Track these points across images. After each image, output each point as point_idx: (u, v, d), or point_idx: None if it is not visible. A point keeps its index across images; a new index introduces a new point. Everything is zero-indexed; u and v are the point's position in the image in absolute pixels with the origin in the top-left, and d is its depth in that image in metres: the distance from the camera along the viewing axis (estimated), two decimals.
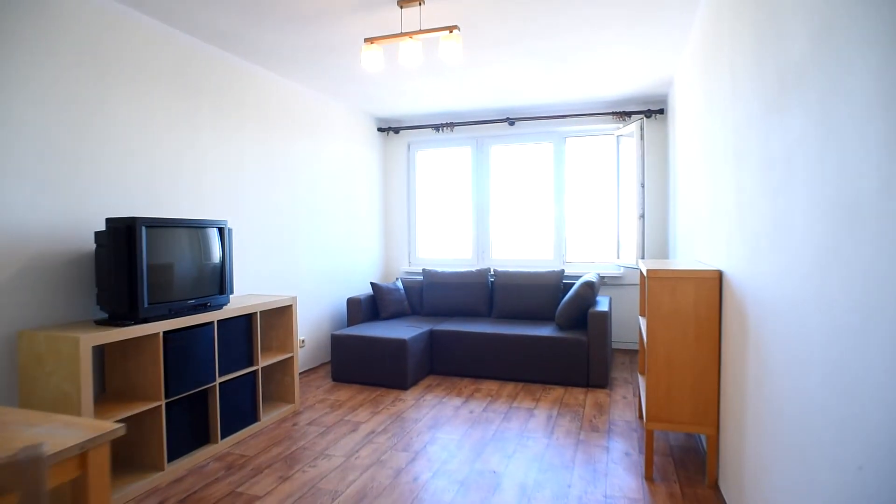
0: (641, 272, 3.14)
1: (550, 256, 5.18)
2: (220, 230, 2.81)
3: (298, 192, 4.19)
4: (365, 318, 4.54)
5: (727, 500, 2.12)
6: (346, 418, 3.22)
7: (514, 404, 3.46)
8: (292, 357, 3.34)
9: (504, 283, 4.61)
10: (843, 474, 1.02)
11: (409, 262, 5.66)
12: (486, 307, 4.70)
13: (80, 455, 1.10)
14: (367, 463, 2.59)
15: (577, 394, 3.67)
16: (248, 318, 3.00)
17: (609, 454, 2.66)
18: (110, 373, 2.49)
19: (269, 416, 3.14)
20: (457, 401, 3.55)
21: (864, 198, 0.94)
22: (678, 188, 3.87)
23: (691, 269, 2.26)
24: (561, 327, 4.08)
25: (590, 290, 3.96)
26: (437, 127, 5.36)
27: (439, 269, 4.90)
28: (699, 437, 2.82)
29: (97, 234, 2.31)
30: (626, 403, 3.44)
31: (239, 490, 2.31)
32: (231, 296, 3.31)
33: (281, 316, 3.35)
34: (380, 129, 5.52)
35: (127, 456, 2.47)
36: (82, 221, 2.47)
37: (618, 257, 4.79)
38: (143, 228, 2.30)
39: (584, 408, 3.37)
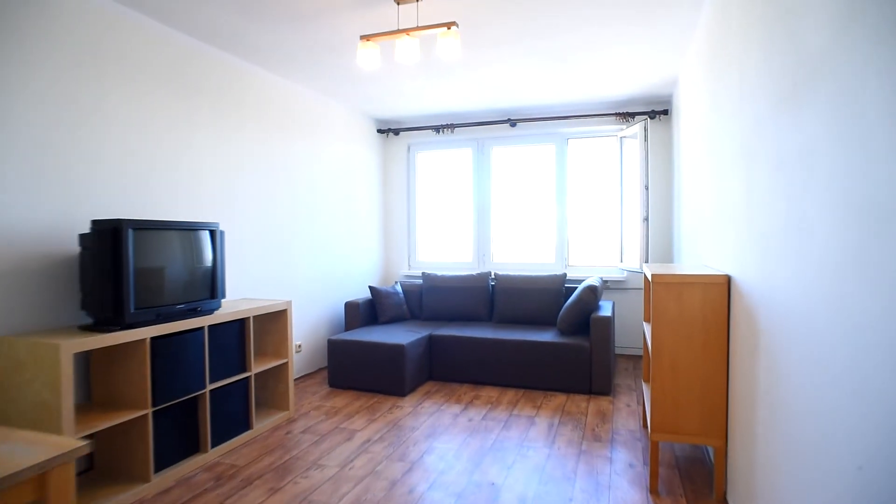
0: (646, 277, 3.05)
1: (552, 260, 5.09)
2: (212, 233, 2.74)
3: (297, 194, 4.12)
4: (363, 322, 4.46)
5: None
6: (342, 426, 3.13)
7: (515, 412, 3.37)
8: (287, 363, 3.25)
9: (505, 286, 4.52)
10: (862, 488, 0.93)
11: (409, 265, 5.58)
12: (487, 312, 4.61)
13: (39, 476, 1.02)
14: (361, 474, 2.50)
15: (580, 401, 3.58)
16: (240, 323, 2.92)
17: (612, 465, 2.57)
18: (96, 380, 2.41)
19: (262, 424, 3.05)
20: (456, 408, 3.46)
21: (891, 197, 0.85)
22: (683, 190, 3.78)
23: (698, 274, 2.17)
24: (563, 332, 3.99)
25: (592, 294, 3.87)
26: (437, 128, 5.28)
27: (439, 273, 4.81)
28: (706, 448, 2.73)
29: (82, 236, 2.23)
30: (629, 412, 3.34)
31: (227, 503, 2.23)
32: (224, 300, 3.23)
33: (276, 320, 3.27)
34: (379, 131, 5.45)
35: (112, 466, 2.39)
36: (77, 223, 2.40)
37: (621, 261, 4.70)
38: (130, 231, 2.22)
39: (586, 416, 3.28)
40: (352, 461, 2.64)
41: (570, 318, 3.93)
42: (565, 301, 4.43)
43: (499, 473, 2.49)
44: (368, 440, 2.91)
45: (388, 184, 5.61)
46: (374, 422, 3.20)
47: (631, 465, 2.56)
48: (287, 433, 3.03)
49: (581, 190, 5.03)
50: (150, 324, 2.33)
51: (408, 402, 3.58)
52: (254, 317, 3.31)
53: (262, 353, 3.32)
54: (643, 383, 3.15)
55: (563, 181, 5.02)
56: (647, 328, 2.86)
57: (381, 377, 3.75)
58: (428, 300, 4.70)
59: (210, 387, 2.67)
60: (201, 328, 2.62)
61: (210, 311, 2.71)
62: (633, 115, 4.66)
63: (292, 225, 4.08)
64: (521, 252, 5.23)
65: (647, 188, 4.20)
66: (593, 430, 3.04)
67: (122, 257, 2.19)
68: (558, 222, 5.04)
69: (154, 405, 2.34)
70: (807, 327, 1.25)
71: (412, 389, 3.83)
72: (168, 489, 2.35)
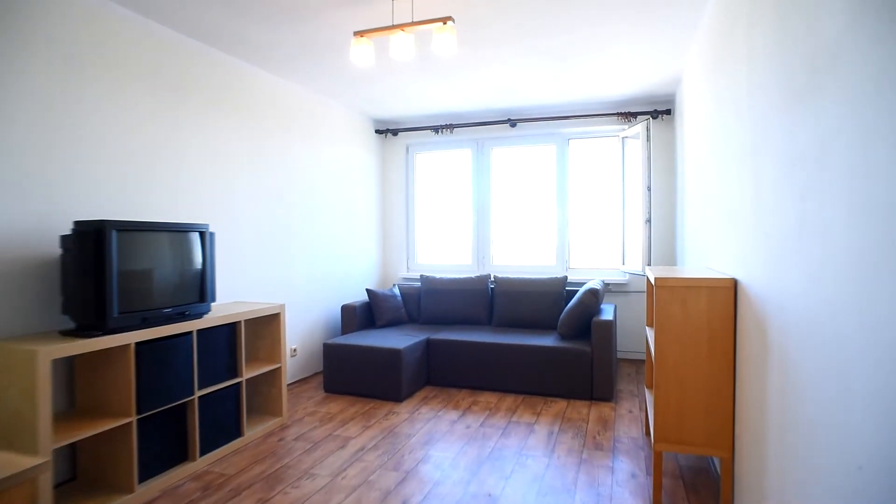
0: (648, 280, 2.96)
1: (553, 262, 5.00)
2: (202, 234, 2.66)
3: (294, 195, 4.04)
4: (360, 325, 4.37)
5: None
6: (336, 433, 3.05)
7: (514, 418, 3.28)
8: (280, 368, 3.17)
9: (504, 289, 4.44)
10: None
11: (408, 267, 5.49)
12: (486, 315, 4.52)
13: None
14: (353, 484, 2.41)
15: (581, 407, 3.49)
16: (231, 328, 2.84)
17: (614, 475, 2.48)
18: (80, 387, 2.33)
19: (253, 431, 2.97)
20: (453, 414, 3.37)
21: None
22: (686, 191, 3.69)
23: (703, 277, 2.08)
24: (563, 337, 3.90)
25: (594, 297, 3.78)
26: (436, 129, 5.20)
27: (437, 276, 4.73)
28: (711, 458, 2.63)
29: (63, 237, 2.15)
30: (632, 418, 3.25)
31: None
32: (214, 304, 3.16)
33: (269, 324, 3.19)
34: (378, 131, 5.37)
35: (95, 476, 2.31)
36: (61, 224, 2.32)
37: (623, 263, 4.61)
38: (114, 232, 2.15)
39: (587, 423, 3.19)
40: (344, 470, 2.56)
41: (570, 322, 3.84)
42: (566, 304, 4.34)
43: (496, 484, 2.40)
44: (362, 448, 2.83)
45: (387, 185, 5.53)
46: (369, 428, 3.12)
47: (633, 476, 2.47)
48: (279, 440, 2.95)
49: (582, 191, 4.94)
50: (135, 328, 2.25)
51: (404, 408, 3.49)
52: (246, 321, 3.23)
53: (254, 358, 3.23)
54: (646, 389, 3.06)
55: (563, 182, 4.93)
56: (650, 333, 2.78)
57: (377, 382, 3.67)
58: (426, 303, 4.61)
59: (199, 393, 2.59)
60: (189, 333, 2.53)
61: (199, 315, 2.63)
62: (635, 114, 4.58)
63: (289, 227, 4.00)
64: (522, 254, 5.15)
65: (649, 189, 4.11)
66: (594, 437, 2.95)
67: (105, 260, 2.11)
68: (559, 224, 4.95)
69: (139, 413, 2.26)
70: (826, 335, 1.16)
71: (409, 395, 3.75)
72: (153, 500, 2.27)
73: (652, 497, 2.24)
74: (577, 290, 4.28)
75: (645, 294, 4.69)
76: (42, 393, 1.85)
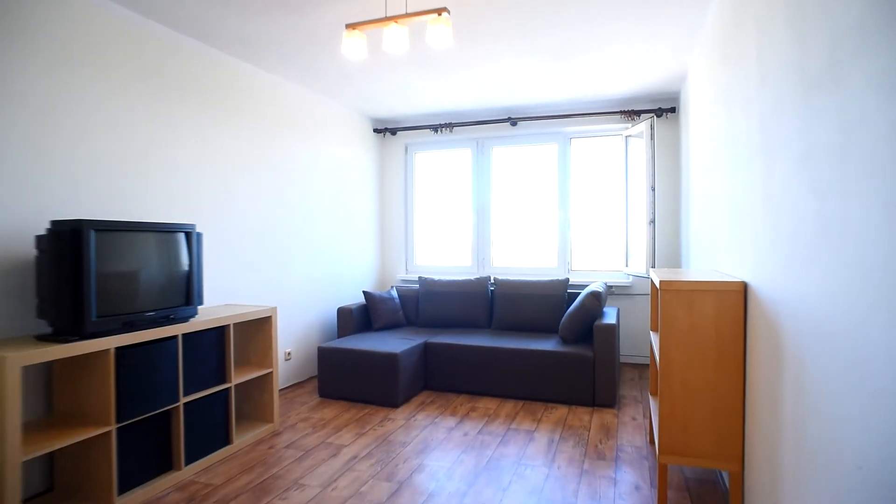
0: (653, 283, 2.85)
1: (554, 264, 4.89)
2: (188, 235, 2.56)
3: (289, 195, 3.95)
4: (356, 328, 4.27)
5: None
6: (329, 440, 2.94)
7: (513, 426, 3.17)
8: (272, 373, 3.07)
9: (504, 292, 4.33)
10: None
11: (406, 269, 5.39)
12: (486, 318, 4.41)
13: None
14: (344, 495, 2.31)
15: (582, 414, 3.37)
16: (220, 331, 2.74)
17: (617, 487, 2.36)
18: (59, 393, 2.23)
19: (243, 438, 2.87)
20: (450, 421, 3.26)
21: None
22: (692, 191, 3.58)
23: (711, 281, 1.97)
24: (565, 341, 3.79)
25: (596, 300, 3.67)
26: (435, 128, 5.10)
27: (436, 278, 4.62)
28: (719, 470, 2.52)
29: (38, 238, 2.06)
30: (635, 426, 3.14)
31: None
32: (202, 307, 3.06)
33: (260, 328, 3.09)
34: (376, 130, 5.27)
35: (73, 487, 2.21)
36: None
37: (626, 265, 4.49)
38: (92, 232, 2.05)
39: (589, 430, 3.08)
40: (335, 480, 2.45)
41: (572, 326, 3.73)
42: (567, 307, 4.23)
43: (493, 496, 2.30)
44: (355, 457, 2.72)
45: (385, 185, 5.43)
46: (362, 436, 3.01)
47: (637, 488, 2.35)
48: (270, 448, 2.84)
49: (584, 191, 4.83)
50: (115, 333, 2.16)
51: (400, 415, 3.38)
52: (236, 324, 3.13)
53: (244, 363, 3.13)
54: (650, 396, 2.95)
55: (565, 182, 4.82)
56: (655, 338, 2.66)
57: (372, 387, 3.56)
58: (424, 306, 4.51)
59: (184, 400, 2.49)
60: (174, 337, 2.44)
61: (185, 319, 2.54)
62: (638, 112, 4.46)
63: (284, 227, 3.91)
64: (522, 256, 5.04)
65: (653, 189, 4.00)
66: (596, 446, 2.84)
67: (83, 261, 2.01)
68: (560, 225, 4.84)
69: (119, 421, 2.16)
70: (847, 344, 1.05)
71: (406, 400, 3.64)
72: None
73: None
74: (579, 293, 4.16)
75: (649, 297, 4.57)
76: (11, 402, 1.75)
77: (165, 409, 2.39)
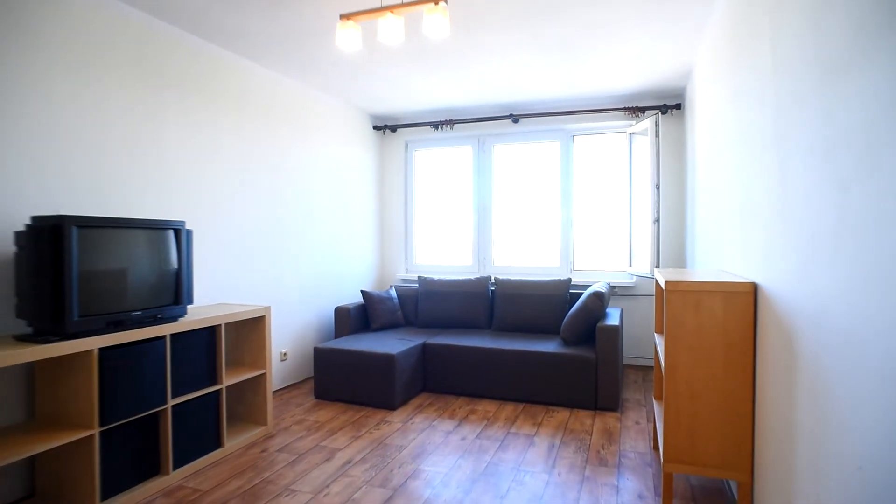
0: (658, 283, 2.76)
1: (556, 264, 4.80)
2: (177, 232, 2.48)
3: (286, 193, 3.87)
4: (354, 329, 4.19)
5: None
6: (323, 444, 2.86)
7: (513, 429, 3.08)
8: (265, 374, 2.99)
9: (505, 292, 4.24)
10: None
11: (406, 268, 5.30)
12: (486, 319, 4.32)
13: None
14: (336, 502, 2.22)
15: (584, 417, 3.28)
16: (210, 331, 2.66)
17: (619, 496, 2.27)
18: (41, 396, 2.16)
19: (234, 442, 2.79)
20: (448, 424, 3.17)
21: None
22: (697, 190, 3.48)
23: (719, 281, 1.88)
24: (567, 342, 3.70)
25: (599, 301, 3.58)
26: (436, 125, 5.01)
27: (436, 277, 4.54)
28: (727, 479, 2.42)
29: (17, 234, 1.98)
30: (638, 430, 3.05)
31: None
32: (193, 306, 2.98)
33: (253, 328, 3.01)
34: (375, 128, 5.18)
35: (54, 493, 2.13)
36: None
37: (630, 265, 4.40)
38: (74, 229, 1.97)
39: (591, 435, 2.99)
40: (328, 486, 2.37)
41: (574, 327, 3.64)
42: (569, 308, 4.13)
43: None
44: (349, 461, 2.64)
45: (385, 183, 5.34)
46: (358, 439, 2.93)
47: (641, 497, 2.26)
48: (262, 451, 2.77)
49: (587, 190, 4.73)
50: (99, 333, 2.08)
51: (397, 417, 3.30)
52: (229, 324, 3.05)
53: (237, 364, 3.06)
54: (654, 400, 2.86)
55: (568, 180, 4.73)
56: (660, 341, 2.57)
57: (369, 389, 3.48)
58: (424, 306, 4.42)
59: (172, 402, 2.41)
60: (162, 337, 2.36)
61: (173, 319, 2.46)
62: (643, 109, 4.37)
63: (282, 225, 3.83)
64: (524, 255, 4.95)
65: (658, 188, 3.90)
66: (598, 452, 2.75)
67: (63, 258, 1.94)
68: (563, 224, 4.75)
69: (102, 424, 2.08)
70: (887, 354, 0.96)
71: (403, 402, 3.56)
72: None
73: None
74: (582, 293, 4.07)
75: (653, 298, 4.47)
76: None
77: (152, 411, 2.31)
